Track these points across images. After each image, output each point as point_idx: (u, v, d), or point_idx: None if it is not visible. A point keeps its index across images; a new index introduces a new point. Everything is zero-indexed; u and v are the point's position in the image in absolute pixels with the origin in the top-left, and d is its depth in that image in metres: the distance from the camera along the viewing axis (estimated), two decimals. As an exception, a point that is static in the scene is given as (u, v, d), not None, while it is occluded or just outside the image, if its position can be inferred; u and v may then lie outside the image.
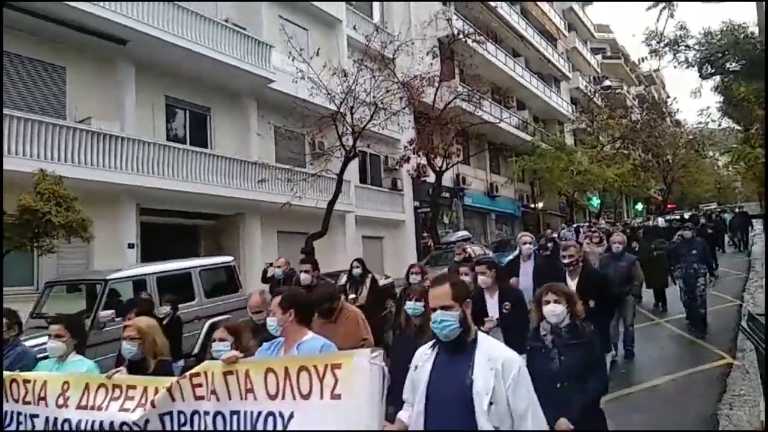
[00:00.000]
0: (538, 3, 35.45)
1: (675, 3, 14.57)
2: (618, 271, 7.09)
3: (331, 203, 15.01)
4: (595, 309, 4.62)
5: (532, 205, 32.54)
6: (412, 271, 6.55)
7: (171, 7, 13.19)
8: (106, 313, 7.59)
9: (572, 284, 4.92)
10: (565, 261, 5.23)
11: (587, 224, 24.73)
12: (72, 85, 12.47)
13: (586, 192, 31.72)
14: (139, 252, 12.77)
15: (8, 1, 9.84)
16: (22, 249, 8.82)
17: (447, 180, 22.42)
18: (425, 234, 21.59)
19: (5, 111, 10.43)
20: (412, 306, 4.11)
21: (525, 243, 6.83)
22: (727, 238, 21.22)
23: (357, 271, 7.96)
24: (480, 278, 4.93)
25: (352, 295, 7.11)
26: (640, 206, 48.86)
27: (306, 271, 6.36)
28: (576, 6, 43.63)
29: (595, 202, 34.65)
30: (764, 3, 11.29)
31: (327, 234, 15.39)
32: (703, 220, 19.88)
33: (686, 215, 25.76)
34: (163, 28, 12.88)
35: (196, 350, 8.81)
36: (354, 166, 17.65)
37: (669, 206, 40.09)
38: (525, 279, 6.30)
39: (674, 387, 6.39)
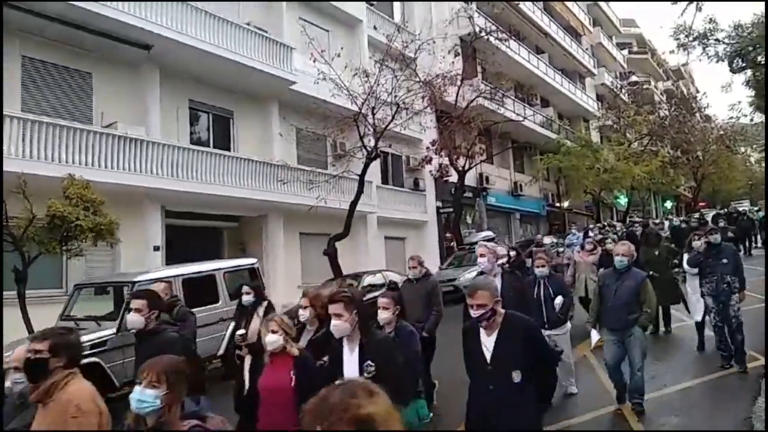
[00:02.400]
0: (562, -1, 34.96)
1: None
2: (621, 294, 5.53)
3: (353, 204, 15.02)
4: (523, 384, 3.16)
5: (558, 204, 32.10)
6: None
7: (193, 11, 13.34)
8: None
9: (488, 342, 3.25)
10: (473, 313, 3.23)
11: (599, 226, 23.04)
12: (98, 91, 12.70)
13: (613, 190, 31.15)
14: (164, 254, 12.94)
15: (8, 0, 9.92)
16: (52, 252, 9.00)
17: (470, 179, 22.25)
18: (448, 234, 21.45)
19: (34, 117, 10.70)
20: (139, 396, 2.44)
21: (480, 256, 5.28)
22: (760, 239, 20.00)
23: (247, 298, 6.28)
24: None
25: (240, 331, 5.40)
26: (669, 204, 47.84)
27: (137, 310, 4.16)
28: (600, 1, 42.88)
29: (623, 200, 34.01)
30: (765, 3, 11.09)
31: (349, 235, 15.41)
32: (722, 222, 16.48)
33: (708, 215, 23.00)
34: (186, 32, 13.02)
35: (221, 351, 8.92)
36: (376, 166, 17.63)
37: (700, 204, 39.14)
38: None
39: (706, 390, 6.23)
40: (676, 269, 9.01)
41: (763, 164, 33.40)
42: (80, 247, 9.19)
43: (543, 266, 6.29)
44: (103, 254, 11.41)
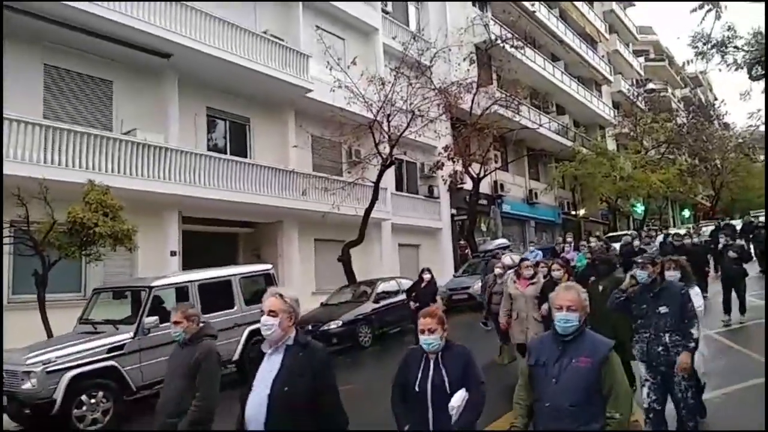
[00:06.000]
0: (576, 4, 34.83)
1: (722, 4, 14.08)
2: (568, 384, 2.84)
3: (368, 211, 15.08)
4: None
5: (573, 212, 31.86)
6: None
7: (212, 20, 13.52)
8: (150, 320, 7.81)
9: None
10: None
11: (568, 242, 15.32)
12: (118, 98, 12.91)
13: (629, 198, 30.86)
14: (181, 259, 13.07)
15: (8, 0, 10.09)
16: (71, 257, 9.16)
17: (485, 187, 22.18)
18: (462, 242, 21.39)
19: (54, 124, 10.91)
20: None
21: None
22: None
23: None
24: None
25: None
26: (687, 213, 47.25)
27: None
28: (617, 8, 42.68)
29: (640, 208, 33.67)
30: (765, 3, 11.05)
31: (363, 242, 15.47)
32: (723, 238, 12.70)
33: (706, 227, 20.34)
34: (204, 41, 13.20)
35: (236, 357, 8.97)
36: (390, 173, 17.67)
37: (717, 213, 38.61)
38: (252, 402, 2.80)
39: (726, 402, 6.08)
40: None
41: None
42: (99, 252, 9.34)
43: (430, 332, 3.19)
44: (122, 259, 11.54)
